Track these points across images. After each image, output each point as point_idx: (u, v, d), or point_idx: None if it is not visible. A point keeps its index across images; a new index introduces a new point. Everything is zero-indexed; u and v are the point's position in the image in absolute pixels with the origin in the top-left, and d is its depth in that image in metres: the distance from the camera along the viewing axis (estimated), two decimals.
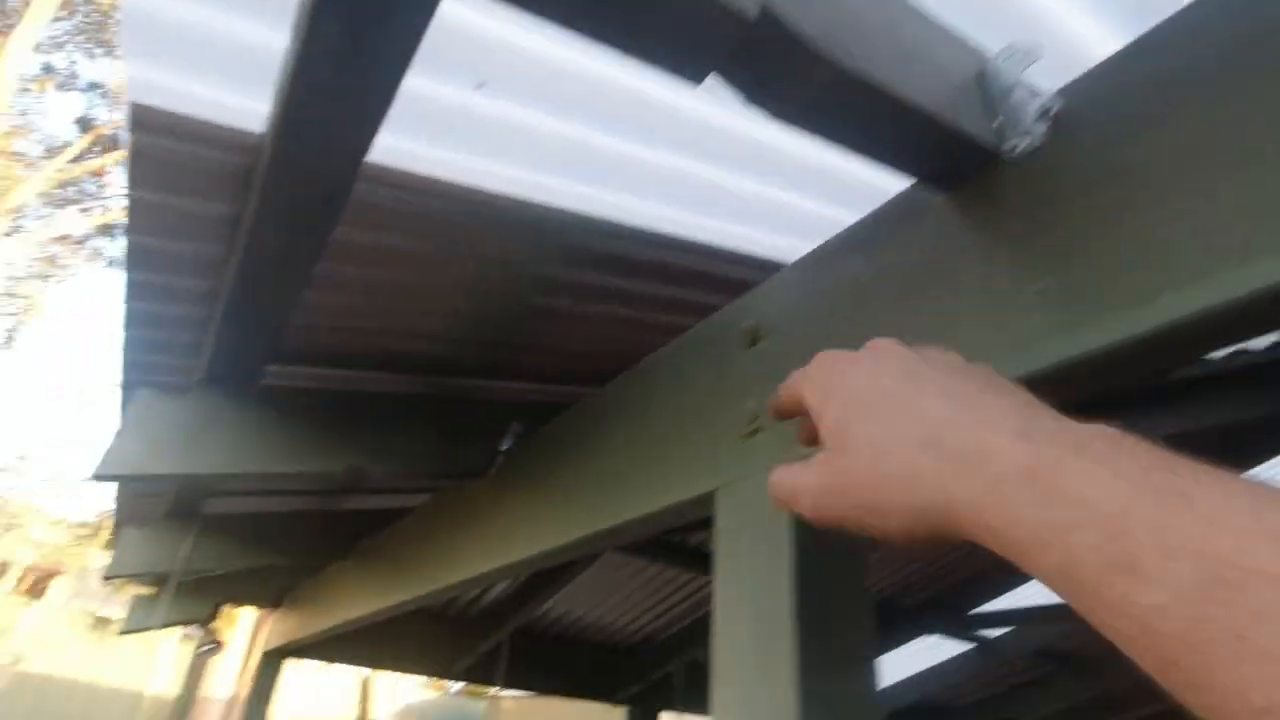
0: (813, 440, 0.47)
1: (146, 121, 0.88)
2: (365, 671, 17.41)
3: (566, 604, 4.36)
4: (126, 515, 2.50)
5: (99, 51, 11.04)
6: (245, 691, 12.85)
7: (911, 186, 0.88)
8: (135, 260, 1.15)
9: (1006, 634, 5.04)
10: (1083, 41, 0.91)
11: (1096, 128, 0.72)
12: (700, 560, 3.92)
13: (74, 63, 11.21)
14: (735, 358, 1.07)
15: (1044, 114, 0.75)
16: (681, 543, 3.82)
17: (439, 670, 4.47)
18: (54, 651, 10.75)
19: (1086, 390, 0.70)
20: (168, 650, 14.07)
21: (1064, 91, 0.76)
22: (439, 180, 1.10)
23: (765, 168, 1.16)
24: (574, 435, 1.49)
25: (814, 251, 1.03)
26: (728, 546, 0.92)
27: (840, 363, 0.45)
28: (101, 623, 12.47)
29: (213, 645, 3.65)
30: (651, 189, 1.25)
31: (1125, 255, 0.64)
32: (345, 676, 17.15)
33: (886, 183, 1.03)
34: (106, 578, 2.42)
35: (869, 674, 0.82)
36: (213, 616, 3.70)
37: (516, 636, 4.30)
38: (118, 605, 14.08)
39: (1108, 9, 0.94)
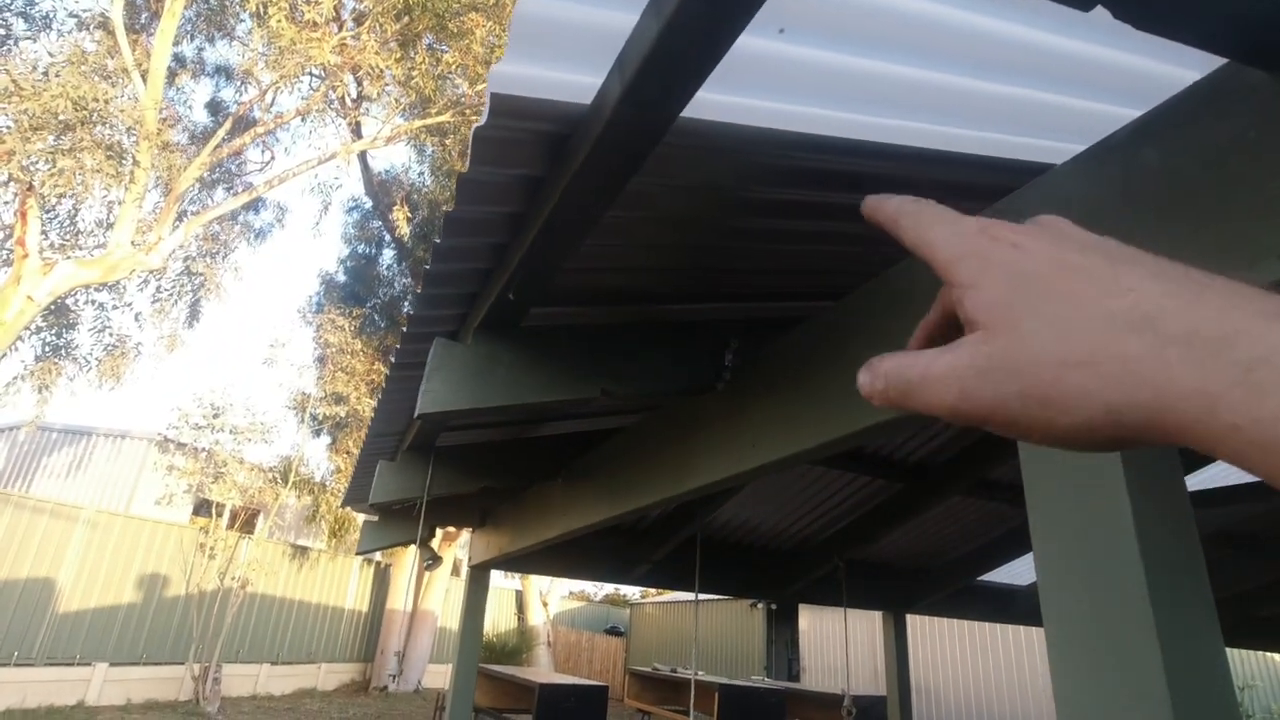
0: (942, 329, 0.39)
1: (499, 108, 1.04)
2: (518, 585, 19.14)
3: (735, 513, 4.64)
4: (377, 451, 2.91)
5: (220, 37, 11.76)
6: (423, 601, 14.31)
7: (1223, 69, 0.90)
8: (450, 228, 1.35)
9: None
10: None
11: None
12: (861, 461, 4.05)
13: (200, 50, 12.02)
14: None
15: None
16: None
17: (620, 577, 4.92)
18: (268, 575, 12.58)
19: None
20: (355, 573, 16.04)
21: None
22: (701, 121, 1.20)
23: (1021, 69, 1.18)
24: (812, 349, 1.61)
25: (1092, 148, 1.07)
26: (1037, 458, 1.02)
27: (1001, 229, 0.35)
28: (299, 551, 14.31)
29: (432, 560, 4.20)
30: (890, 103, 1.30)
31: None
32: (502, 592, 18.89)
33: (1160, 73, 1.04)
34: (371, 503, 2.85)
35: (1205, 590, 0.91)
36: (431, 535, 4.24)
37: (688, 545, 4.64)
38: (310, 537, 16.05)
39: None
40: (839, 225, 1.53)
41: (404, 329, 1.82)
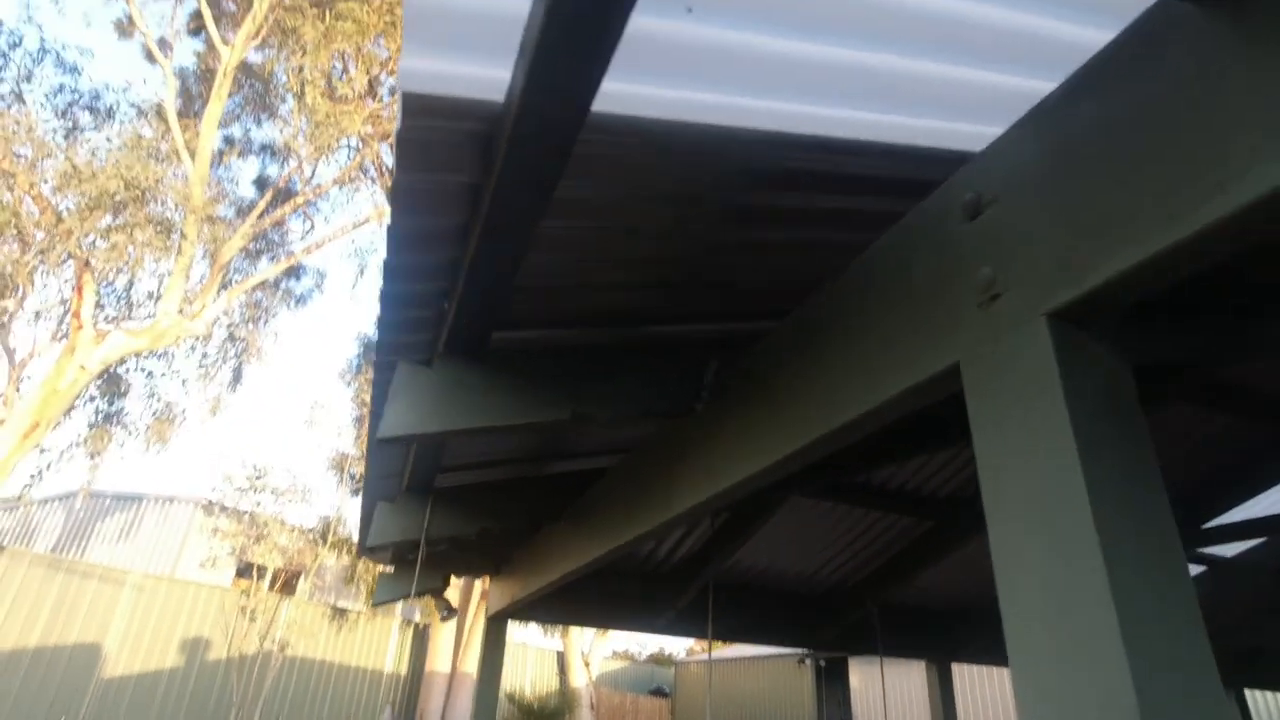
0: None
1: (412, 107, 1.03)
2: (559, 646, 18.69)
3: (756, 555, 4.46)
4: (377, 493, 2.88)
5: (265, 117, 12.52)
6: (462, 663, 14.17)
7: (1150, 11, 0.84)
8: (395, 243, 1.34)
9: (1246, 551, 4.52)
10: None
11: None
12: (886, 498, 3.86)
13: (247, 130, 12.80)
14: (956, 233, 1.08)
15: None
16: (865, 482, 3.78)
17: (643, 625, 4.74)
18: (307, 638, 12.56)
19: None
20: (394, 634, 15.91)
21: None
22: (629, 117, 1.18)
23: (951, 47, 1.14)
24: (781, 355, 1.55)
25: (1031, 112, 1.01)
26: (987, 414, 0.93)
27: None
28: (338, 613, 14.30)
29: (449, 612, 4.11)
30: (833, 90, 1.26)
31: None
32: (543, 653, 18.47)
33: (1079, 39, 0.99)
34: (369, 547, 2.81)
35: (1166, 514, 0.81)
36: (445, 586, 4.17)
37: (714, 590, 4.45)
38: (350, 598, 16.07)
39: None
40: (790, 233, 1.48)
41: (375, 358, 1.81)
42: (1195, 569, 4.66)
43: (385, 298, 1.53)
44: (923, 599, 4.92)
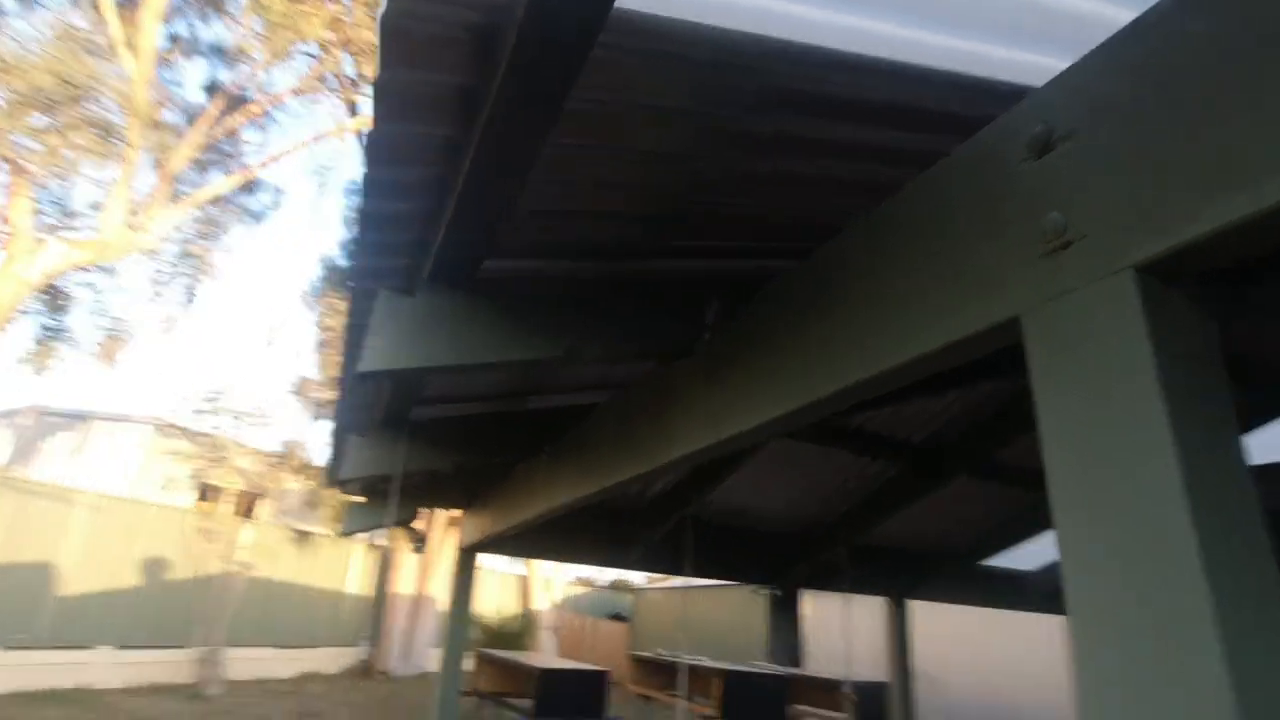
0: None
1: None
2: (523, 571, 19.09)
3: (730, 494, 4.48)
4: (349, 426, 2.76)
5: (213, 14, 11.54)
6: (426, 587, 14.47)
7: None
8: (374, 154, 1.18)
9: None
10: None
11: None
12: (862, 441, 3.87)
13: (193, 27, 11.82)
14: (1020, 172, 0.96)
15: None
16: (843, 426, 3.77)
17: (614, 560, 4.78)
18: (270, 560, 12.56)
19: None
20: (357, 557, 16.02)
21: None
22: (648, 15, 1.02)
23: None
24: (798, 299, 1.44)
25: (1119, 34, 0.88)
26: (1055, 372, 0.84)
27: None
28: (302, 535, 14.31)
29: (418, 544, 4.06)
30: (879, 2, 1.12)
31: None
32: (505, 578, 18.88)
33: None
34: (338, 480, 2.71)
35: (1244, 463, 0.74)
36: (414, 517, 4.11)
37: (687, 527, 4.48)
38: (313, 521, 16.07)
39: None
40: (821, 164, 1.35)
41: (350, 283, 1.66)
42: None
43: (364, 217, 1.37)
44: (885, 539, 5.04)
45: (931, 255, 1.09)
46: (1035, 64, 1.12)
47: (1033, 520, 4.97)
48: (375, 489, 3.91)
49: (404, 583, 15.89)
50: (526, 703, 8.39)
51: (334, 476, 3.68)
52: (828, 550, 4.73)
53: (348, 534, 4.30)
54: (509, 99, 0.99)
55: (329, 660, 14.40)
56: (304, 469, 14.05)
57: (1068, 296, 0.85)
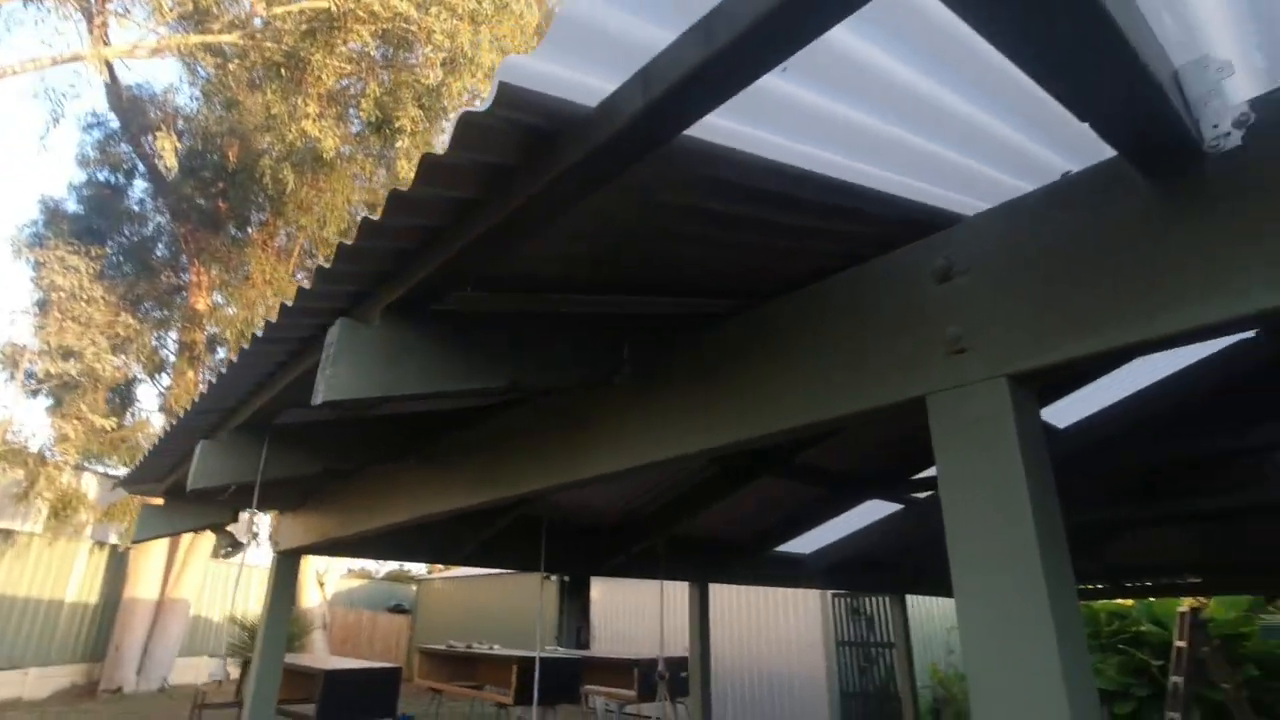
0: None
1: (504, 99, 0.99)
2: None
3: (561, 492, 4.70)
4: (195, 428, 2.54)
5: None
6: (174, 589, 12.78)
7: (1114, 160, 1.14)
8: (396, 207, 1.25)
9: (928, 496, 5.89)
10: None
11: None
12: None
13: None
14: (926, 289, 1.34)
15: (1242, 122, 1.01)
16: None
17: (445, 557, 4.77)
18: None
19: None
20: (81, 559, 13.61)
21: (1253, 104, 1.03)
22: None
23: (950, 135, 1.37)
24: (727, 348, 1.73)
25: (1006, 204, 1.28)
26: (950, 444, 1.22)
27: None
28: (4, 535, 11.86)
29: (231, 548, 3.74)
30: (840, 141, 1.43)
31: None
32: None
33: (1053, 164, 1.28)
34: (191, 489, 2.47)
35: (1065, 549, 1.16)
36: (232, 520, 3.77)
37: (513, 523, 4.63)
38: (20, 519, 13.31)
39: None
40: (759, 237, 1.65)
41: (286, 303, 1.62)
42: (896, 506, 5.99)
43: (348, 253, 1.40)
44: (696, 530, 5.62)
45: (856, 336, 1.43)
46: (951, 200, 1.51)
47: (817, 512, 5.86)
48: (177, 490, 3.53)
49: (145, 586, 13.84)
50: (309, 708, 7.88)
51: (152, 480, 3.29)
52: (647, 542, 5.16)
53: (140, 541, 3.83)
54: (564, 184, 1.14)
55: (38, 683, 12.13)
56: (12, 455, 11.64)
57: (961, 388, 1.22)
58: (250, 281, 12.98)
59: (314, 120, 9.17)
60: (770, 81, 1.21)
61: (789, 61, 1.10)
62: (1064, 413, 5.06)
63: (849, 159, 1.42)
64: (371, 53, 10.36)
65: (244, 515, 3.80)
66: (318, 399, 1.47)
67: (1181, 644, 7.10)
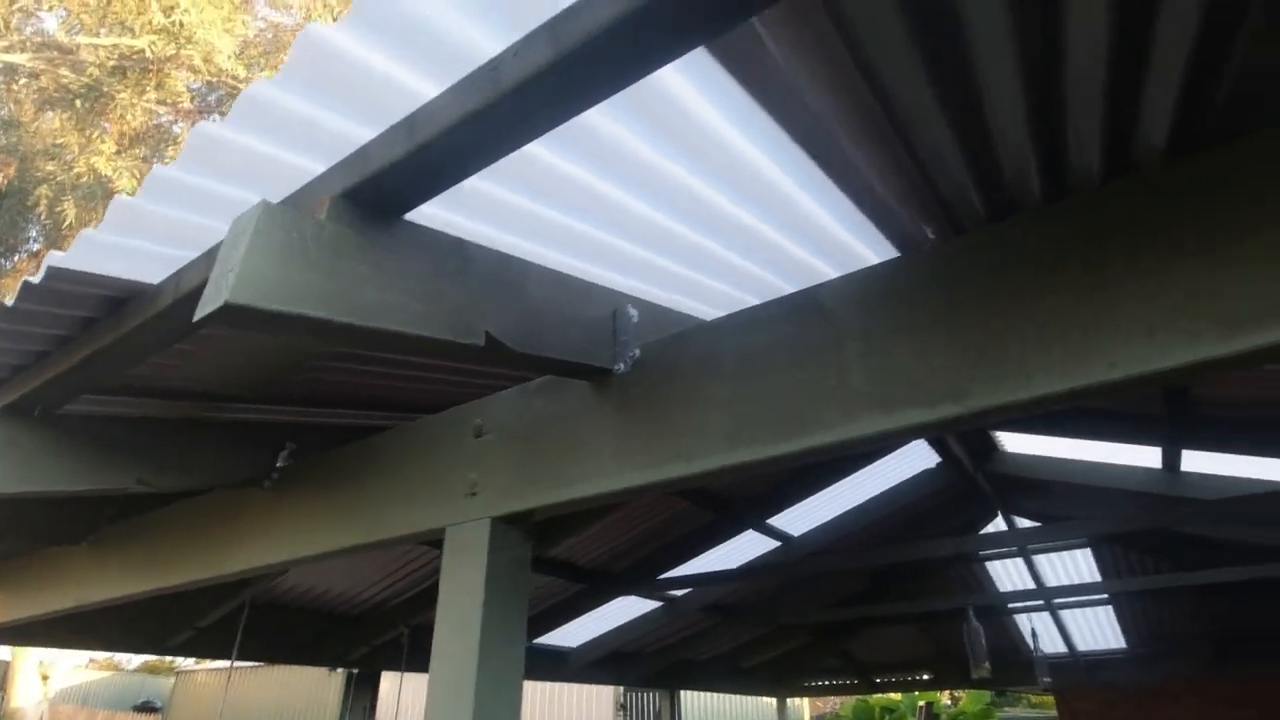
0: None
1: (55, 276, 1.25)
2: (8, 655, 14.74)
3: (299, 576, 4.62)
4: None
5: None
6: None
7: (573, 376, 1.58)
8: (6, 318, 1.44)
9: (686, 594, 6.37)
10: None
11: (661, 363, 1.49)
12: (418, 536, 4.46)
13: None
14: (465, 440, 1.72)
15: (633, 358, 1.50)
16: None
17: (153, 646, 4.45)
18: None
19: None
20: None
21: (644, 347, 1.52)
22: None
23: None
24: (345, 468, 2.01)
25: (518, 389, 1.70)
26: (451, 567, 1.56)
27: None
28: None
29: None
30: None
31: (678, 424, 1.40)
32: None
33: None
34: None
35: (520, 649, 1.52)
36: None
37: (249, 608, 4.46)
38: None
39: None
40: (392, 371, 1.97)
41: None
42: (654, 604, 6.38)
43: None
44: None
45: (408, 473, 1.78)
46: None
47: (576, 604, 6.07)
48: None
49: None
50: None
51: None
52: (393, 631, 5.13)
53: None
54: (132, 333, 1.40)
55: None
56: None
57: (465, 524, 1.58)
58: None
59: (108, 158, 8.69)
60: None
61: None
62: (796, 522, 5.80)
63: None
64: (186, 105, 10.09)
65: None
66: None
67: None
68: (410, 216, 1.19)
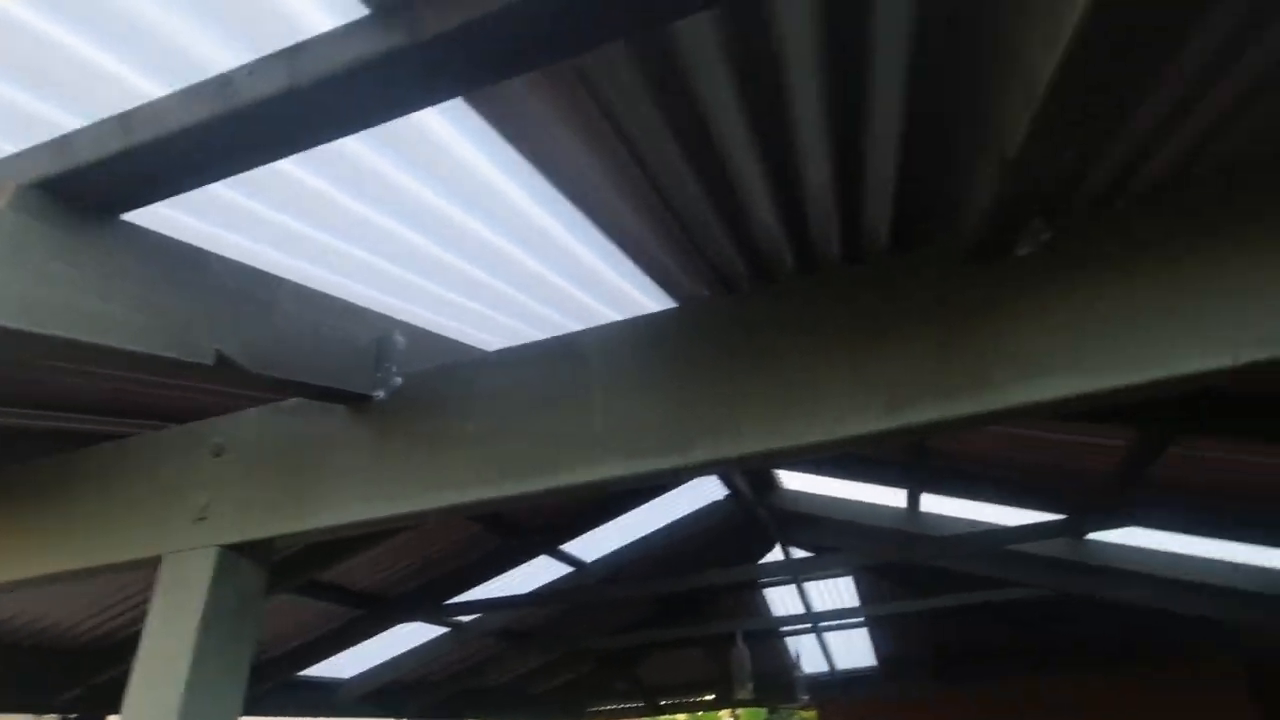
0: None
1: None
2: None
3: (6, 602, 3.85)
4: None
5: None
6: None
7: (328, 401, 1.51)
8: None
9: (474, 619, 6.19)
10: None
11: (424, 393, 1.46)
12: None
13: None
14: (201, 460, 1.56)
15: (395, 386, 1.46)
16: None
17: None
18: None
19: None
20: None
21: (405, 375, 1.49)
22: None
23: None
24: (59, 482, 1.74)
25: (270, 406, 1.59)
26: (164, 595, 1.40)
27: None
28: None
29: None
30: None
31: (431, 457, 1.37)
32: None
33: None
34: None
35: (240, 682, 1.40)
36: None
37: None
38: None
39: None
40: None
41: None
42: (440, 630, 6.13)
43: None
44: None
45: (130, 492, 1.59)
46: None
47: (348, 634, 5.66)
48: None
49: None
50: None
51: None
52: (115, 668, 4.45)
53: None
54: None
55: None
56: None
57: (186, 552, 1.44)
58: None
59: None
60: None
61: None
62: (589, 548, 5.89)
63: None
64: None
65: None
66: None
67: None
68: (141, 219, 1.08)
